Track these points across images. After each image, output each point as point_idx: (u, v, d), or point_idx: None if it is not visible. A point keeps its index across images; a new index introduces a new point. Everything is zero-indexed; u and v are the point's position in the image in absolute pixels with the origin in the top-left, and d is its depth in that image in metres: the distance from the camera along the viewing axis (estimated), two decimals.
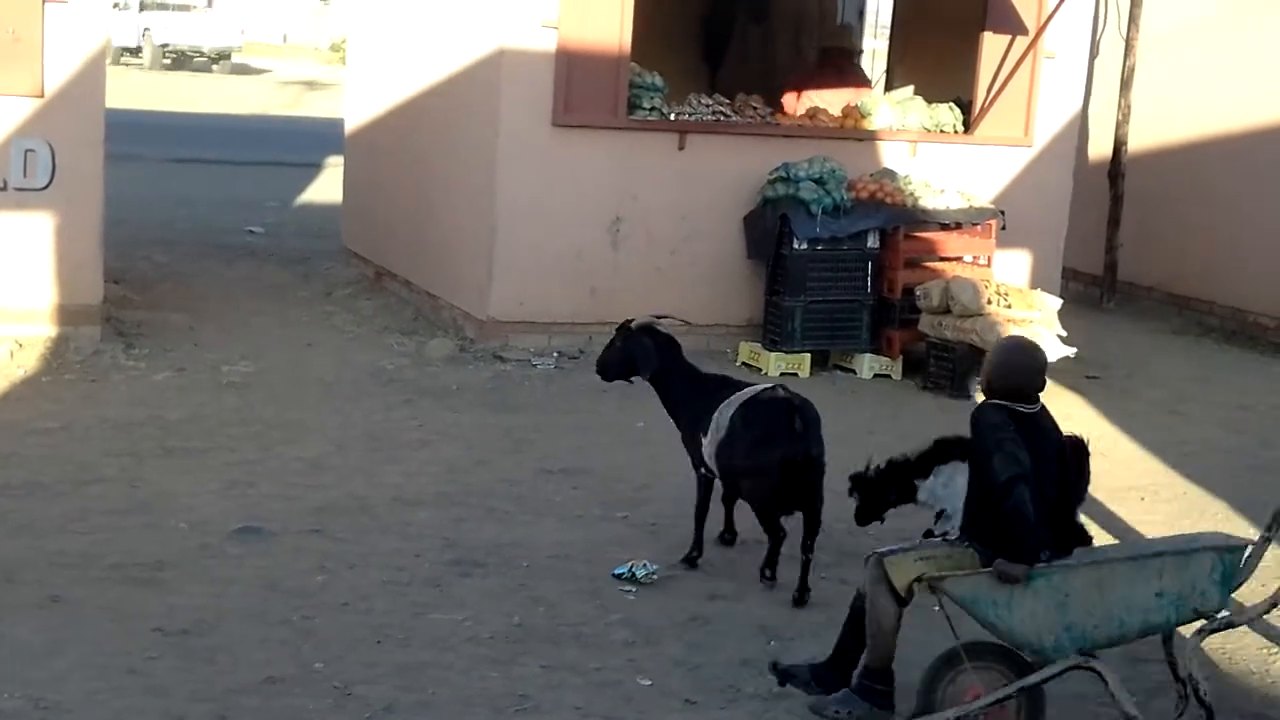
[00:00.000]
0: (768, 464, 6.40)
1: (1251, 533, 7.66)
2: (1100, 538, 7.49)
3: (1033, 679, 4.84)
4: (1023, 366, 5.10)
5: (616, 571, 6.54)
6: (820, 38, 14.97)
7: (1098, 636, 4.79)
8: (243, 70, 38.38)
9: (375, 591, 6.23)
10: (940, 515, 6.23)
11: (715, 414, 6.66)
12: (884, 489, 6.28)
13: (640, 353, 7.01)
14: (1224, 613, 4.84)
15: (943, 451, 6.24)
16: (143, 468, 7.71)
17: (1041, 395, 5.11)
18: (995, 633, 4.88)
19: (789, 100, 12.29)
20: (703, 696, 5.36)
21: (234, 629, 5.73)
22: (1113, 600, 4.73)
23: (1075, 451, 6.45)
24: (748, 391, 6.74)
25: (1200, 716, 4.81)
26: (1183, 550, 4.80)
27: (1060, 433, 5.22)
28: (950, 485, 6.18)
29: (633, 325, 7.08)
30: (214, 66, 37.47)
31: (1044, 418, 5.11)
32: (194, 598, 6.02)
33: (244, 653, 5.52)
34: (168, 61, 37.61)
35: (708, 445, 6.68)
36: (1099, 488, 8.37)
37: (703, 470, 6.84)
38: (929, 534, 6.13)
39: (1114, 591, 4.73)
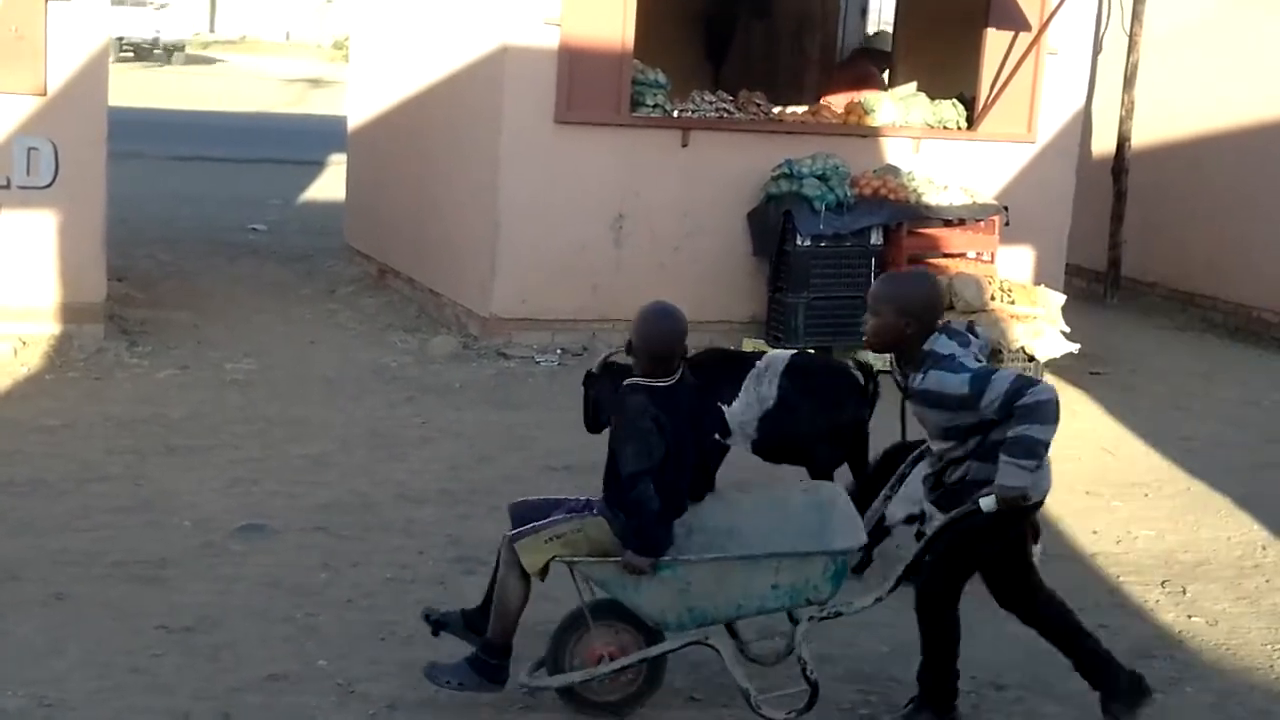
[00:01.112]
0: (843, 426, 6.78)
1: (1255, 527, 7.68)
2: (1104, 534, 7.51)
3: (653, 651, 5.04)
4: (664, 334, 5.10)
5: None
6: (860, 39, 15.14)
7: (717, 616, 5.06)
8: (197, 61, 38.93)
9: (379, 589, 6.23)
10: (922, 517, 6.35)
11: (747, 384, 6.81)
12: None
13: (604, 394, 6.97)
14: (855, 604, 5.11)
15: (896, 461, 6.36)
16: (146, 465, 7.72)
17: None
18: (625, 605, 5.03)
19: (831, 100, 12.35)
20: (705, 693, 5.35)
21: (237, 626, 5.73)
22: (731, 590, 4.97)
23: None
24: (777, 359, 6.94)
25: (807, 692, 5.01)
26: (799, 554, 5.01)
27: (693, 398, 5.23)
28: (918, 489, 6.27)
29: (594, 371, 7.04)
30: (170, 59, 38.23)
31: (681, 388, 5.13)
32: (197, 595, 6.01)
33: (247, 650, 5.51)
34: (129, 55, 38.06)
35: (740, 415, 6.81)
36: (1104, 483, 8.39)
37: (718, 438, 6.98)
38: (920, 535, 6.24)
39: (733, 583, 4.97)
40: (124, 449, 7.96)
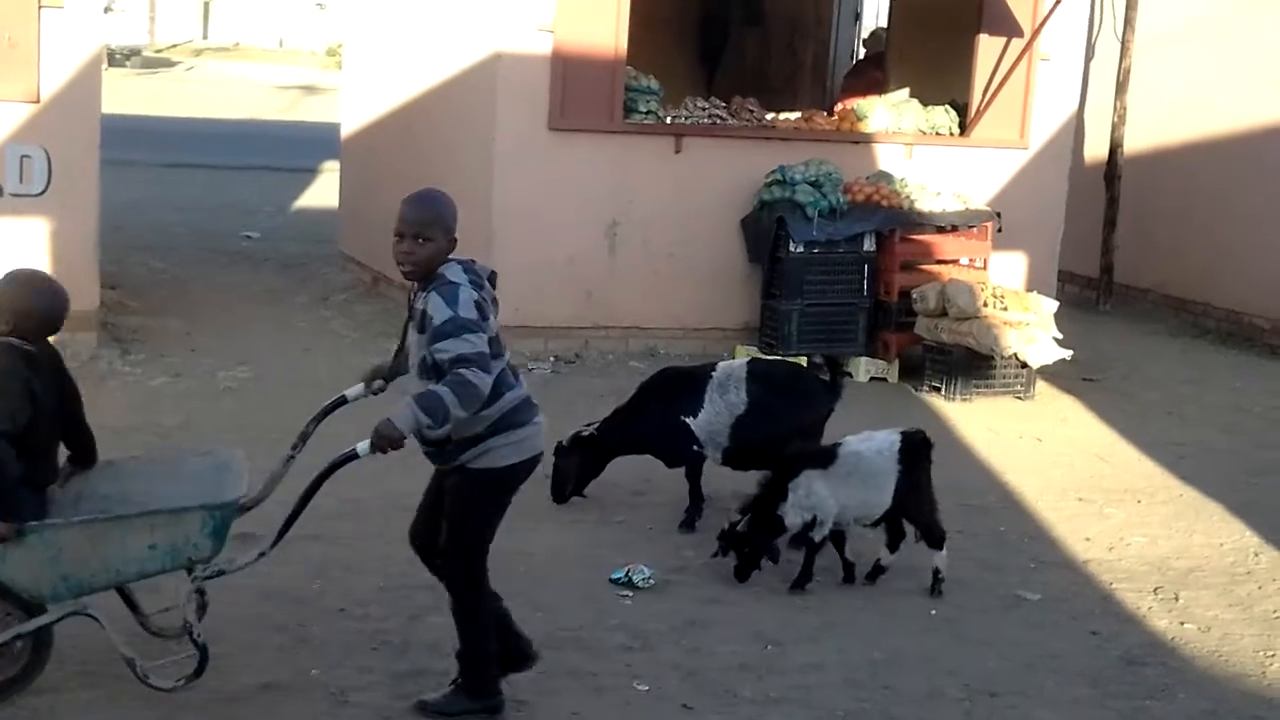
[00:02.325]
0: (813, 421, 7.23)
1: (1246, 534, 7.69)
2: (1097, 540, 7.51)
3: (28, 626, 4.94)
4: (51, 311, 5.10)
5: (614, 576, 6.53)
6: (855, 41, 15.24)
7: (96, 583, 4.96)
8: (154, 64, 39.25)
9: (372, 597, 6.22)
10: (813, 524, 6.45)
11: (711, 396, 7.17)
12: (755, 537, 6.49)
13: (570, 467, 7.34)
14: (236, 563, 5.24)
15: (789, 469, 6.48)
16: None
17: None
18: None
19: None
20: (700, 701, 5.36)
21: (230, 636, 5.70)
22: (107, 553, 4.89)
23: (925, 447, 6.67)
24: (735, 367, 7.35)
25: (194, 655, 4.98)
26: (173, 510, 4.96)
27: (61, 365, 5.22)
28: (811, 494, 6.43)
29: (564, 443, 7.31)
30: (126, 63, 38.54)
31: (46, 356, 5.13)
32: None
33: (240, 660, 5.50)
34: None
35: (709, 425, 7.15)
36: (1097, 489, 8.40)
37: (696, 449, 7.24)
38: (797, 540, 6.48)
39: (108, 546, 4.89)
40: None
